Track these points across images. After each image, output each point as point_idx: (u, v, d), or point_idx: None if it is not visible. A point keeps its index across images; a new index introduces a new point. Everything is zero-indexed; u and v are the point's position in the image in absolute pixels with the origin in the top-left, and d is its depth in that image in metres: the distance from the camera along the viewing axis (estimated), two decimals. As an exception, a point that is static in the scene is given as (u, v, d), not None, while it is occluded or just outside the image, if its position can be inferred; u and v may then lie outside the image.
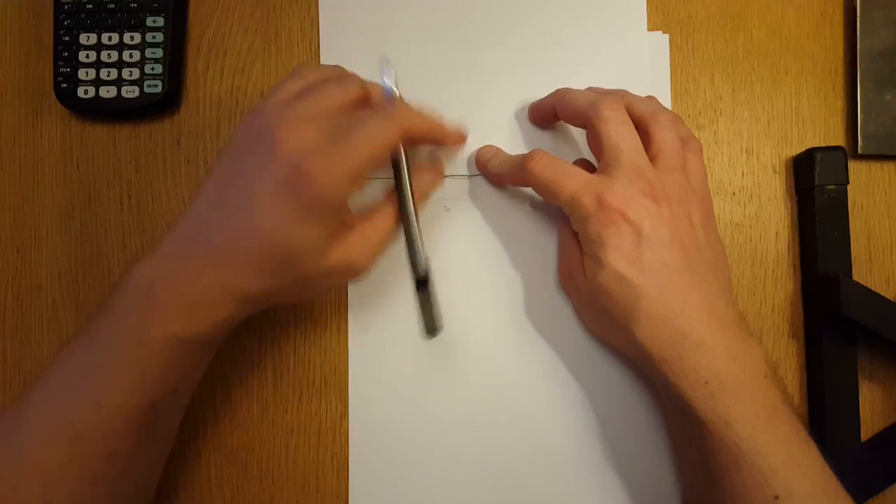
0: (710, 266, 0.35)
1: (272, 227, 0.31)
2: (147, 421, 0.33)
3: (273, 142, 0.31)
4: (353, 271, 0.34)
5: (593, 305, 0.35)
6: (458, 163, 0.42)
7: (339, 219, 0.33)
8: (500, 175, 0.40)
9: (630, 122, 0.35)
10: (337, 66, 0.38)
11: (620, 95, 0.37)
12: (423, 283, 0.35)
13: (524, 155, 0.36)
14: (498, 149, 0.41)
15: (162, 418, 0.34)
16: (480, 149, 0.41)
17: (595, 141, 0.36)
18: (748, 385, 0.32)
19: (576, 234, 0.36)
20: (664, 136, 0.35)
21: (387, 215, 0.35)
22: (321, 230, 0.32)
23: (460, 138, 0.38)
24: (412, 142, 0.36)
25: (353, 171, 0.31)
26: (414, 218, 0.35)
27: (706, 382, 0.32)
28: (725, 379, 0.32)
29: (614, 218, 0.33)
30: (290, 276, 0.32)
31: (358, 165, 0.31)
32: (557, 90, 0.39)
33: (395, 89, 0.36)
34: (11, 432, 0.32)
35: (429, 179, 0.38)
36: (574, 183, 0.34)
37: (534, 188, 0.37)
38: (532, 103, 0.41)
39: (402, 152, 0.35)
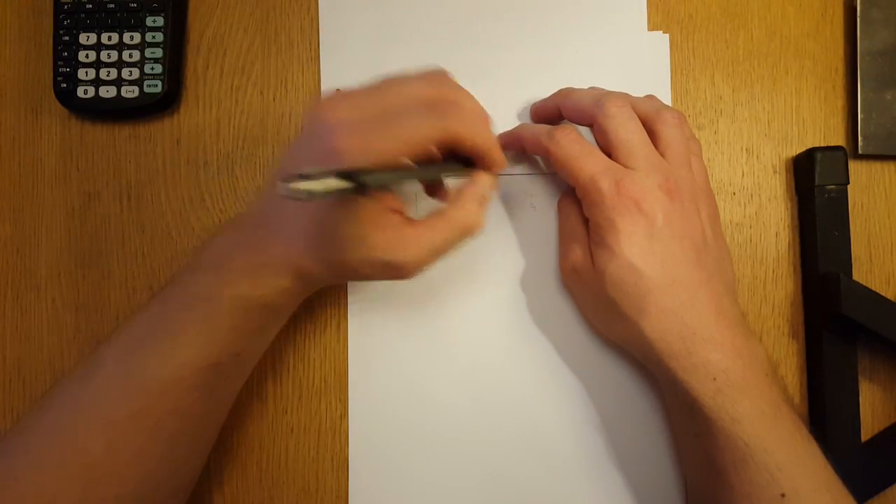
0: (716, 263, 0.35)
1: (312, 206, 0.32)
2: (210, 380, 0.33)
3: (316, 120, 0.31)
4: (399, 271, 0.33)
5: (601, 298, 0.35)
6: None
7: (377, 207, 0.32)
8: (522, 137, 0.38)
9: (637, 117, 0.35)
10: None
11: (624, 95, 0.37)
12: (361, 188, 0.33)
13: (554, 126, 0.36)
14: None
15: (224, 380, 0.35)
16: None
17: (603, 138, 0.35)
18: (754, 382, 0.32)
19: (583, 226, 0.36)
20: (671, 134, 0.35)
21: (448, 221, 0.34)
22: (353, 214, 0.32)
23: (502, 165, 0.36)
24: (456, 148, 0.33)
25: (385, 155, 0.30)
26: (421, 171, 0.34)
27: (714, 378, 0.32)
28: (733, 375, 0.32)
29: (629, 207, 0.33)
30: (336, 260, 0.33)
31: (391, 149, 0.31)
32: (560, 90, 0.39)
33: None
34: (80, 387, 0.33)
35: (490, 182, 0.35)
36: (596, 164, 0.34)
37: (554, 162, 0.35)
38: (534, 103, 0.40)
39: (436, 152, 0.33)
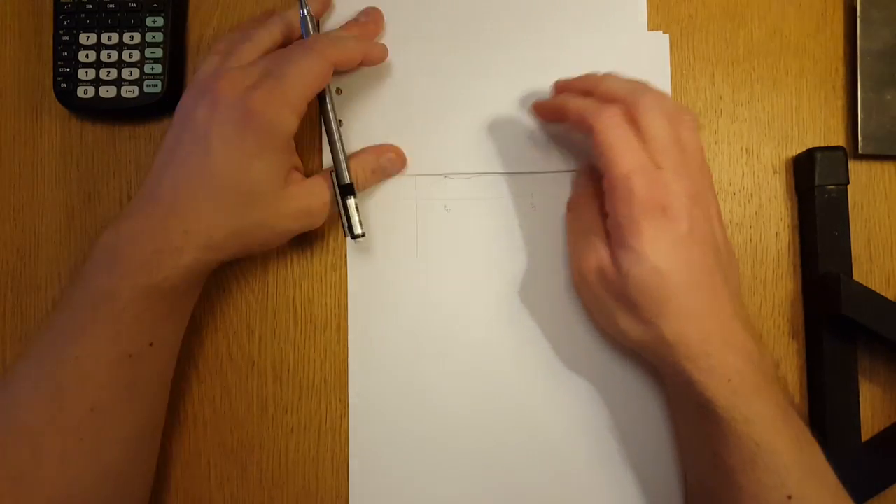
0: (728, 266, 0.35)
1: (230, 166, 0.34)
2: (126, 373, 0.34)
3: (216, 92, 0.34)
4: (310, 216, 0.38)
5: (621, 300, 0.34)
6: (459, 162, 0.42)
7: (291, 160, 0.37)
8: (566, 107, 0.36)
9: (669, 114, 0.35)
10: (259, 16, 0.41)
11: (659, 91, 0.36)
12: (347, 191, 0.38)
13: (603, 105, 0.35)
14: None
15: (141, 372, 0.35)
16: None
17: (635, 129, 0.34)
18: (766, 384, 0.32)
19: (600, 225, 0.35)
20: (689, 137, 0.35)
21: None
22: (276, 165, 0.35)
23: (384, 53, 0.40)
24: (341, 67, 0.37)
25: (294, 103, 0.35)
26: (338, 139, 0.38)
27: (729, 380, 0.32)
28: (747, 377, 0.32)
29: (657, 210, 0.33)
30: (250, 217, 0.35)
31: (298, 97, 0.35)
32: (591, 74, 0.38)
33: (310, 23, 0.38)
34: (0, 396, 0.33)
35: (390, 156, 0.40)
36: (634, 160, 0.33)
37: (595, 143, 0.34)
38: (536, 102, 0.40)
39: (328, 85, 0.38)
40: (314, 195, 0.37)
